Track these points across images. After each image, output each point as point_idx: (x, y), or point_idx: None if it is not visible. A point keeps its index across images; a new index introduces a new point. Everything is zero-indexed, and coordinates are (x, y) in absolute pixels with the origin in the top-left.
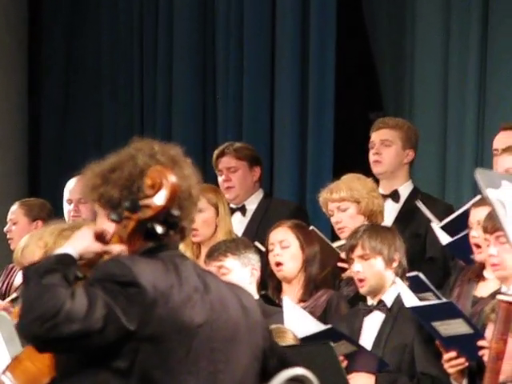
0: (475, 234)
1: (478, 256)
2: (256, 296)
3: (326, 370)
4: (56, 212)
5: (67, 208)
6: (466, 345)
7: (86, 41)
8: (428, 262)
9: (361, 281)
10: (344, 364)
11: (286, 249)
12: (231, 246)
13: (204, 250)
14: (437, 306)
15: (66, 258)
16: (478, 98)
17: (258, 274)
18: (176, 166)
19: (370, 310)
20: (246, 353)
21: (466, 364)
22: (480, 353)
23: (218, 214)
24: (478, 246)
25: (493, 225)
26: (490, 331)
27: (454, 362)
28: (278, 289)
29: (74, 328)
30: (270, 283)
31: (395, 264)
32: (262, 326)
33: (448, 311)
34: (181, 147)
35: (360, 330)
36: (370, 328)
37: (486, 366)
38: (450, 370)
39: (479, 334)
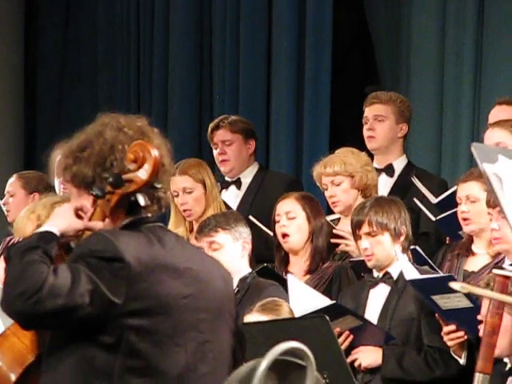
0: (464, 208)
1: (466, 228)
2: (248, 269)
3: (321, 342)
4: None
5: (56, 182)
6: (466, 318)
7: (83, 22)
8: (422, 237)
9: (368, 256)
10: (350, 338)
11: (293, 220)
12: (221, 220)
13: (196, 226)
14: (437, 280)
15: (47, 236)
16: (475, 71)
17: (249, 247)
18: (145, 137)
19: (375, 282)
20: (228, 324)
21: (465, 337)
22: (479, 326)
23: (205, 187)
24: (466, 219)
25: (493, 198)
26: (485, 306)
27: (453, 335)
28: (285, 261)
29: (58, 303)
30: (277, 255)
31: (402, 238)
32: (235, 298)
33: (448, 285)
34: (177, 122)
35: (366, 302)
36: (376, 300)
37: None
38: (450, 343)
39: (478, 307)
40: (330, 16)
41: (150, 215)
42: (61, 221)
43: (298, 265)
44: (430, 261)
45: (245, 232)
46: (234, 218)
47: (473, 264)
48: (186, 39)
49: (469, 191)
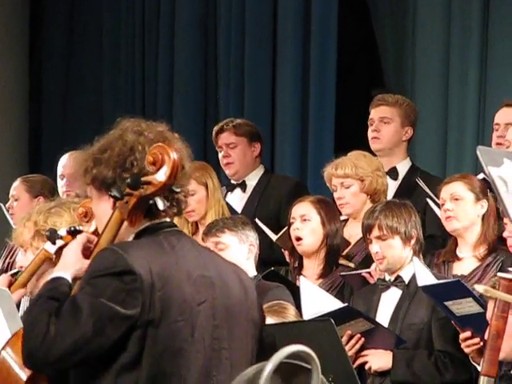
0: (448, 206)
1: (448, 226)
2: (254, 272)
3: (327, 346)
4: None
5: (60, 183)
6: (480, 324)
7: (88, 17)
8: (428, 240)
9: (379, 259)
10: (361, 341)
11: (307, 223)
12: (229, 222)
13: (201, 228)
14: (445, 285)
15: (57, 282)
16: (480, 74)
17: (255, 250)
18: (165, 141)
19: (387, 286)
20: (247, 330)
21: (481, 344)
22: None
23: (208, 190)
24: (449, 217)
25: None
26: (490, 309)
27: (469, 342)
28: (300, 264)
29: (67, 342)
30: (291, 259)
31: (413, 241)
32: (258, 305)
33: (457, 290)
34: (182, 124)
35: (377, 306)
36: (387, 304)
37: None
38: (467, 350)
39: None
40: (335, 20)
41: (168, 219)
42: (71, 265)
43: (312, 269)
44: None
45: (252, 236)
46: (241, 221)
47: (460, 268)
48: (192, 43)
49: (452, 190)
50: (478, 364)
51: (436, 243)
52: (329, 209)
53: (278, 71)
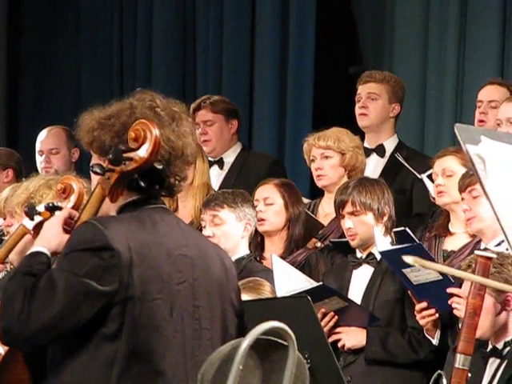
0: (440, 181)
1: (439, 200)
2: (247, 251)
3: (303, 323)
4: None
5: (39, 159)
6: (436, 293)
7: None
8: (415, 218)
9: (351, 236)
10: (335, 319)
11: (270, 206)
12: (229, 197)
13: (181, 204)
14: (406, 250)
15: (36, 256)
16: (458, 51)
17: (251, 229)
18: (174, 122)
19: (359, 263)
20: (229, 311)
21: (437, 315)
22: (449, 301)
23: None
24: (440, 192)
25: (464, 182)
26: (466, 287)
27: (425, 313)
28: (261, 246)
29: (43, 318)
30: (253, 239)
31: (385, 218)
32: (237, 287)
33: (417, 255)
34: None
35: (349, 284)
36: (359, 281)
37: (458, 319)
38: (422, 322)
39: (448, 280)
40: None
41: (153, 197)
42: (51, 240)
43: (273, 251)
44: (419, 242)
45: (250, 213)
46: (242, 197)
47: (452, 243)
48: (170, 20)
49: (445, 165)
50: (433, 337)
51: (424, 221)
52: (292, 192)
53: (256, 48)
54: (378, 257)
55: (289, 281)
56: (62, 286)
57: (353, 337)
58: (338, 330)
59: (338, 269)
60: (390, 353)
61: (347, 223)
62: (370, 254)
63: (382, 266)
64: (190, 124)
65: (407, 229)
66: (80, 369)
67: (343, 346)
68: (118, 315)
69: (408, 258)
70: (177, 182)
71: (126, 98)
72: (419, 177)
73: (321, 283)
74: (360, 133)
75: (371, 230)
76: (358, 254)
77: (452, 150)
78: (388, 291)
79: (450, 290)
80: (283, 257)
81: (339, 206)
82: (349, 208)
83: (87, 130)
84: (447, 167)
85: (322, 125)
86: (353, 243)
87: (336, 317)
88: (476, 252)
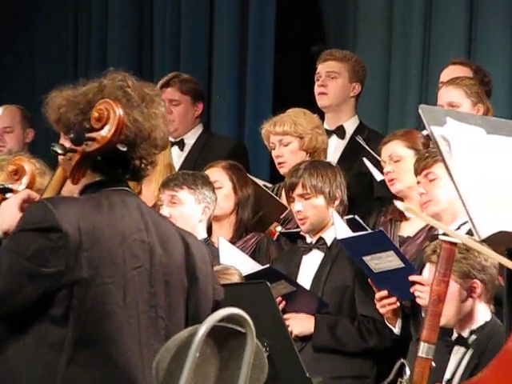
0: (388, 168)
1: (392, 188)
2: (204, 235)
3: (261, 309)
4: None
5: None
6: (398, 281)
7: None
8: (376, 202)
9: (301, 219)
10: (282, 305)
11: (219, 190)
12: (189, 179)
13: (145, 188)
14: (367, 237)
15: None
16: (423, 31)
17: (210, 212)
18: (143, 103)
19: (308, 248)
20: (191, 301)
21: (398, 304)
22: (411, 289)
23: None
24: (391, 180)
25: (419, 165)
26: (430, 272)
27: (385, 301)
28: (209, 229)
29: None
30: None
31: (337, 202)
32: (212, 278)
33: (378, 242)
34: None
35: (298, 269)
36: (309, 267)
37: (420, 307)
38: (382, 311)
39: (410, 268)
40: None
41: (116, 179)
42: (4, 220)
43: (221, 234)
44: (368, 229)
45: (210, 197)
46: (202, 180)
47: (407, 229)
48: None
49: (390, 151)
50: (394, 326)
51: (385, 205)
52: (241, 175)
53: (215, 27)
54: (329, 242)
55: (235, 264)
56: (4, 266)
57: (300, 323)
58: (285, 316)
59: (288, 254)
60: (339, 340)
61: (297, 206)
62: (321, 238)
63: (332, 251)
64: (162, 108)
65: (356, 216)
66: (26, 351)
67: (291, 332)
68: (64, 298)
69: (399, 204)
70: (143, 165)
71: (98, 77)
72: (379, 159)
73: (267, 265)
74: (321, 114)
75: (322, 213)
76: (308, 239)
77: (396, 133)
78: (338, 278)
79: (412, 278)
80: (233, 242)
81: (289, 188)
82: (299, 190)
83: (54, 107)
84: (393, 152)
85: (283, 105)
86: (303, 227)
87: (284, 302)
88: (440, 237)
